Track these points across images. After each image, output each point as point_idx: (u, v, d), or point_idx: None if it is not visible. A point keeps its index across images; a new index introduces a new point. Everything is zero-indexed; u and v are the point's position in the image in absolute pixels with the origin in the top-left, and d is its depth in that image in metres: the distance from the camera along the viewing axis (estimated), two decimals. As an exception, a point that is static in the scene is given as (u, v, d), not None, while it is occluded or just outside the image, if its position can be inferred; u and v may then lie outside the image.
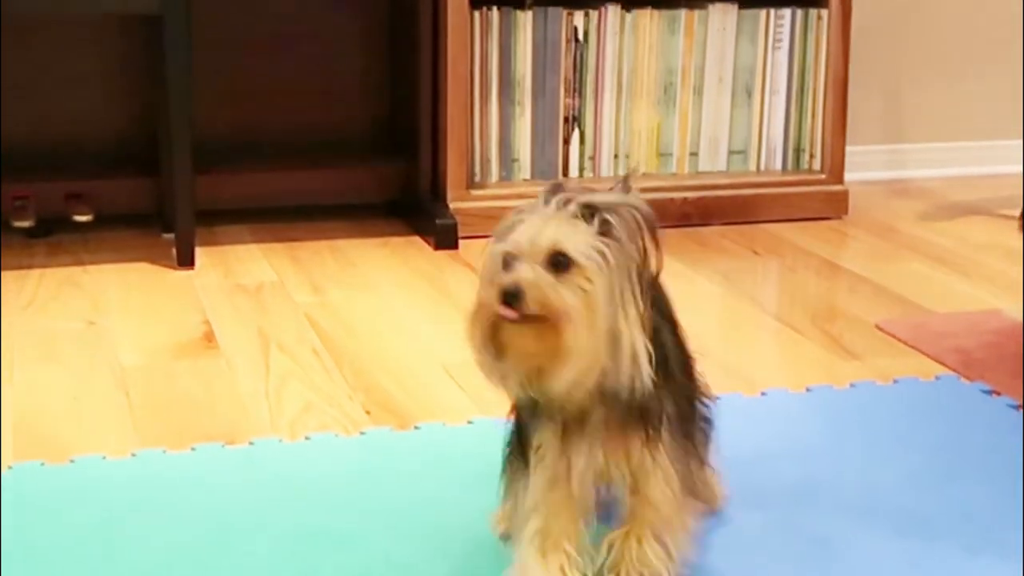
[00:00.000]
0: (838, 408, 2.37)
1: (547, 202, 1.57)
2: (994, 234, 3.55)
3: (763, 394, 2.40)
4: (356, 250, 3.28)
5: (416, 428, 2.26)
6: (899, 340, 2.71)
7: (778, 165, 3.69)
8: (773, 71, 3.64)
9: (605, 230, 1.53)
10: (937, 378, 2.51)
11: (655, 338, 1.57)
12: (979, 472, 2.13)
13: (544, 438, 1.61)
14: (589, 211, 1.54)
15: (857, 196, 3.76)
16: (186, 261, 3.10)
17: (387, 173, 3.56)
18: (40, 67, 3.39)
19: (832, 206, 3.66)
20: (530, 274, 1.51)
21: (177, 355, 2.57)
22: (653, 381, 1.55)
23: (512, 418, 1.71)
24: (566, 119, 3.52)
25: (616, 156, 3.57)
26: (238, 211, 3.45)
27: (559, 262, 1.52)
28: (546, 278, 1.51)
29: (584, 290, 1.51)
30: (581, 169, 3.54)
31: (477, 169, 3.46)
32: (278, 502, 1.99)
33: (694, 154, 3.63)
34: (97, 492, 2.01)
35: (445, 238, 3.30)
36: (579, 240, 1.52)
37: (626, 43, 3.53)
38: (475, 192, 3.41)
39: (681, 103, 3.60)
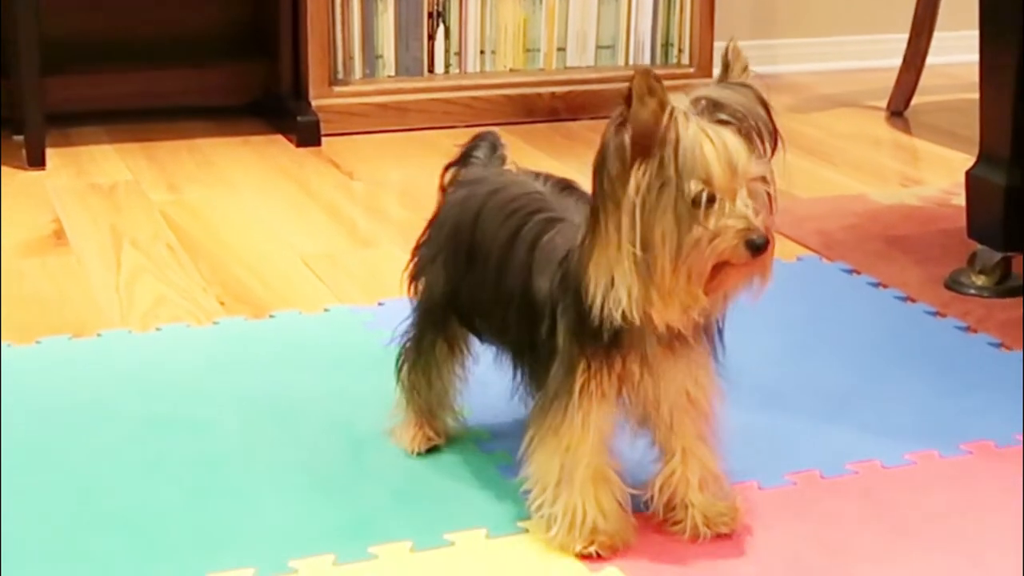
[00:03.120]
0: (700, 289, 2.36)
1: (692, 111, 1.39)
2: (861, 124, 3.56)
3: (625, 277, 2.38)
4: (215, 149, 3.19)
5: (271, 317, 2.20)
6: (763, 224, 2.70)
7: (647, 59, 3.66)
8: (640, -36, 3.60)
9: (747, 133, 1.40)
10: (799, 259, 2.51)
11: None
12: (836, 347, 2.13)
13: (624, 373, 1.48)
14: (728, 114, 1.40)
15: (726, 91, 3.74)
16: (36, 162, 2.99)
17: (248, 72, 3.47)
18: None
19: (701, 100, 3.64)
20: (760, 217, 1.38)
21: (24, 253, 2.48)
22: None
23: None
24: (430, 14, 3.45)
25: (482, 52, 3.51)
26: (95, 113, 3.34)
27: (758, 189, 1.40)
28: (767, 218, 1.39)
29: (767, 211, 1.41)
30: (447, 66, 3.48)
31: (340, 67, 3.38)
32: (126, 391, 1.93)
33: (561, 49, 3.59)
34: (-65, 388, 1.94)
35: (307, 135, 3.23)
36: (756, 157, 1.39)
37: (490, -64, 3.47)
38: (338, 89, 3.34)
39: (548, -2, 3.55)
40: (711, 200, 1.37)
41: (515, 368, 1.62)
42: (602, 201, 1.41)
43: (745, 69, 1.44)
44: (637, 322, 1.42)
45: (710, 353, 1.53)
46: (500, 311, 1.59)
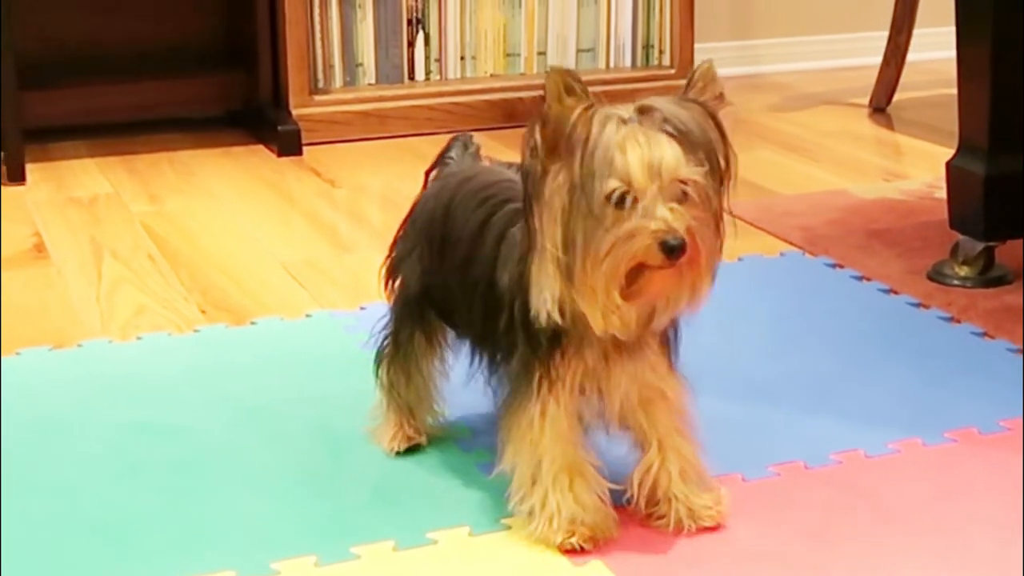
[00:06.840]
0: (682, 286, 2.35)
1: (632, 119, 1.37)
2: (842, 121, 3.56)
3: (607, 276, 2.37)
4: (196, 160, 3.19)
5: (252, 324, 2.19)
6: (745, 222, 2.69)
7: (627, 62, 3.66)
8: (619, -33, 3.60)
9: (689, 145, 1.37)
10: (782, 255, 2.51)
11: None
12: (820, 340, 2.12)
13: (580, 367, 1.48)
14: (670, 126, 1.37)
15: (708, 91, 3.73)
16: (16, 177, 2.99)
17: (227, 82, 3.46)
18: None
19: (682, 101, 3.64)
20: (680, 220, 1.34)
21: (4, 267, 2.47)
22: None
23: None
24: (410, 21, 3.44)
25: (462, 58, 3.51)
26: (75, 127, 3.33)
27: (683, 193, 1.36)
28: (692, 221, 1.35)
29: (701, 221, 1.37)
30: (428, 72, 3.47)
31: (320, 75, 3.38)
32: (107, 400, 1.92)
33: (542, 53, 3.58)
34: (-86, 401, 1.92)
35: (288, 145, 3.22)
36: (690, 164, 1.36)
37: (468, -59, 3.46)
38: (318, 98, 3.34)
39: (527, 2, 3.54)
40: (631, 202, 1.35)
41: (473, 356, 1.62)
42: (528, 203, 1.41)
43: (704, 88, 1.41)
44: (563, 325, 1.42)
45: (666, 354, 1.52)
46: (467, 302, 1.59)
